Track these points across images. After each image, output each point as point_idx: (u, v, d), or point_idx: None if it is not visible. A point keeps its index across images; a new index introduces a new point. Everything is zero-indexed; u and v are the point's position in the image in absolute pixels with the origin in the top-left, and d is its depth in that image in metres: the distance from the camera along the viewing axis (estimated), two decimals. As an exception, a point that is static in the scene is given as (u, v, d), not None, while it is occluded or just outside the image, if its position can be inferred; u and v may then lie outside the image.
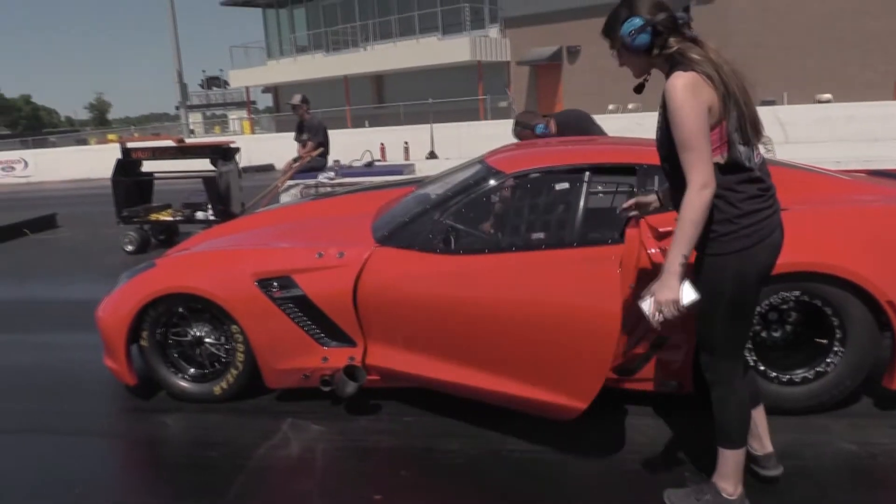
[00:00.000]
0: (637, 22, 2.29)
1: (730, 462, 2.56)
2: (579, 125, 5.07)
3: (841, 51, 20.16)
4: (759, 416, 2.71)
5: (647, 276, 3.03)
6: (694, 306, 2.31)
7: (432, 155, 17.20)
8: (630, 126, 12.27)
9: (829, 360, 3.26)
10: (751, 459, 2.73)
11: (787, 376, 3.31)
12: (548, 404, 3.03)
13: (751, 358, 3.28)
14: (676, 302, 2.26)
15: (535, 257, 3.26)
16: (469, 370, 3.26)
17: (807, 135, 14.67)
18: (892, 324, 3.13)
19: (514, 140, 5.10)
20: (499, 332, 3.11)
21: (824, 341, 3.28)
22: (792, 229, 3.22)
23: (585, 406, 2.93)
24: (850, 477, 2.89)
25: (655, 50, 2.33)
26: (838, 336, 3.22)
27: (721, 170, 2.29)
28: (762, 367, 3.31)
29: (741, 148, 2.29)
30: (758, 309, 3.22)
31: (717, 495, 2.57)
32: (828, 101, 18.36)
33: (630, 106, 20.74)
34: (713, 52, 2.29)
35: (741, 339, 2.51)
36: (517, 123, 5.14)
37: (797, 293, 3.20)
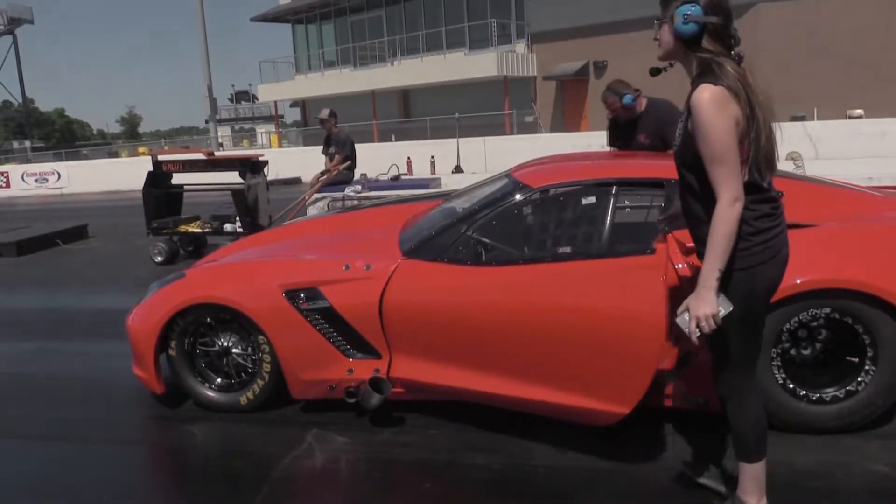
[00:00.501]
0: (696, 10, 2.24)
1: (750, 476, 2.55)
2: (665, 115, 4.87)
3: (872, 66, 19.93)
4: None
5: (675, 290, 3.01)
6: (727, 319, 2.32)
7: (458, 169, 17.24)
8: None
9: (859, 379, 3.21)
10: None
11: (817, 395, 3.26)
12: (588, 410, 3.07)
13: (780, 375, 3.24)
14: (715, 316, 2.26)
15: (568, 268, 3.22)
16: (501, 379, 3.29)
17: (838, 150, 14.48)
18: (925, 342, 3.08)
19: (604, 104, 5.07)
20: (534, 339, 3.14)
21: (855, 360, 3.23)
22: (823, 246, 3.24)
23: (628, 411, 2.95)
24: (880, 499, 2.83)
25: (696, 46, 2.29)
26: (870, 354, 3.18)
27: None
28: (791, 385, 3.26)
29: (758, 170, 2.31)
30: (786, 325, 3.19)
31: None
32: (859, 117, 18.12)
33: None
34: (751, 75, 2.29)
35: (753, 353, 2.51)
36: (608, 88, 5.06)
37: (828, 310, 3.16)
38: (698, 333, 2.29)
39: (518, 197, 3.63)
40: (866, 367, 3.19)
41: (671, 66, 2.47)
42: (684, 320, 2.32)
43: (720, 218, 2.23)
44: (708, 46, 2.28)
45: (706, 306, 2.26)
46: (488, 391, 3.35)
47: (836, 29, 20.35)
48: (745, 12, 21.39)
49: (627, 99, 4.91)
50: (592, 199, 3.52)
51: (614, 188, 3.48)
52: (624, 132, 5.11)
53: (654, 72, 2.52)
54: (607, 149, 5.25)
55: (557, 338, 3.08)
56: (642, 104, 5.01)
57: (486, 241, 3.54)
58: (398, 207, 4.75)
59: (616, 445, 3.31)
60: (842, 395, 3.24)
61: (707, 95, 2.21)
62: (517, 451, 3.34)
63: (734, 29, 2.29)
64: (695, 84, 2.29)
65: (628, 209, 3.84)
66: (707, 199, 2.30)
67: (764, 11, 21.31)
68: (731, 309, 2.30)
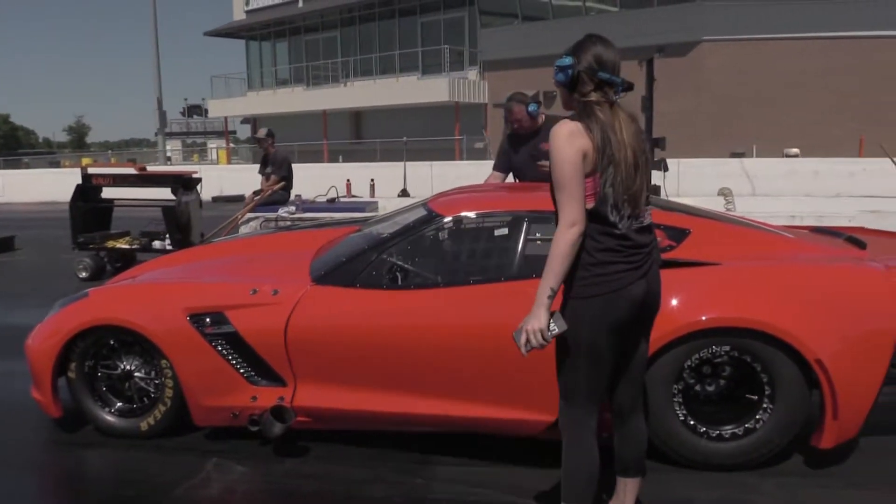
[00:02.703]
0: (567, 60, 2.45)
1: None
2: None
3: (809, 107, 20.67)
4: (629, 486, 2.75)
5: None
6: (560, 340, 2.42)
7: (404, 193, 17.23)
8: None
9: (758, 417, 3.25)
10: None
11: (717, 431, 3.29)
12: (514, 421, 3.29)
13: (680, 412, 3.26)
14: (543, 331, 2.35)
15: (477, 290, 3.36)
16: (416, 399, 3.39)
17: (773, 188, 14.90)
18: (820, 382, 3.13)
19: (507, 116, 4.94)
20: (449, 358, 3.29)
21: (754, 398, 3.27)
22: (725, 284, 3.29)
23: (554, 418, 3.00)
24: (772, 538, 2.85)
25: (575, 94, 2.47)
26: (767, 392, 3.22)
27: (589, 216, 2.39)
28: (692, 422, 3.28)
29: (612, 205, 2.40)
30: (687, 362, 3.22)
31: None
32: (795, 156, 18.73)
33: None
34: (620, 119, 2.43)
35: (593, 388, 2.51)
36: (511, 99, 4.94)
37: (727, 348, 3.20)
38: (528, 347, 2.37)
39: (430, 225, 3.61)
40: (764, 405, 3.23)
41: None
42: (518, 334, 2.39)
43: (556, 239, 2.36)
44: (583, 92, 2.44)
45: (535, 321, 2.35)
46: (402, 412, 3.40)
47: (776, 70, 21.08)
48: (690, 50, 22.06)
49: (533, 108, 4.83)
50: (504, 231, 3.52)
51: (525, 219, 3.50)
52: (519, 146, 5.01)
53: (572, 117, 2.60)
54: (495, 173, 5.10)
55: (472, 355, 3.26)
56: (542, 117, 4.96)
57: (398, 266, 3.52)
58: (316, 232, 4.69)
59: (522, 480, 3.28)
60: (740, 433, 3.27)
61: (560, 129, 2.39)
62: (417, 486, 3.28)
63: (611, 77, 2.42)
64: None
65: (538, 240, 3.85)
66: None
67: (708, 50, 21.99)
68: (564, 329, 2.38)
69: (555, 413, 3.18)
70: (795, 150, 19.31)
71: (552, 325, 2.36)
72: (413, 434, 3.62)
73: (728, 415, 3.33)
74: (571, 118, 2.45)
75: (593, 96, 2.43)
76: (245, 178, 18.87)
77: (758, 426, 3.25)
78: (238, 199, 17.91)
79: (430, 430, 3.56)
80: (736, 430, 3.27)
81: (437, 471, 3.41)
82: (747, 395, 3.30)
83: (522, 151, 4.98)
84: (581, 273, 2.42)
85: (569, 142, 2.36)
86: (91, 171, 8.66)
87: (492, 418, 3.34)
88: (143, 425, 3.76)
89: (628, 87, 2.46)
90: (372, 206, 9.57)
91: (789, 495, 3.14)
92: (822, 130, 20.16)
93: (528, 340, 2.36)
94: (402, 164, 17.97)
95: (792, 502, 3.09)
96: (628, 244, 2.44)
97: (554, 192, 2.42)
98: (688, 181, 14.16)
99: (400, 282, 3.52)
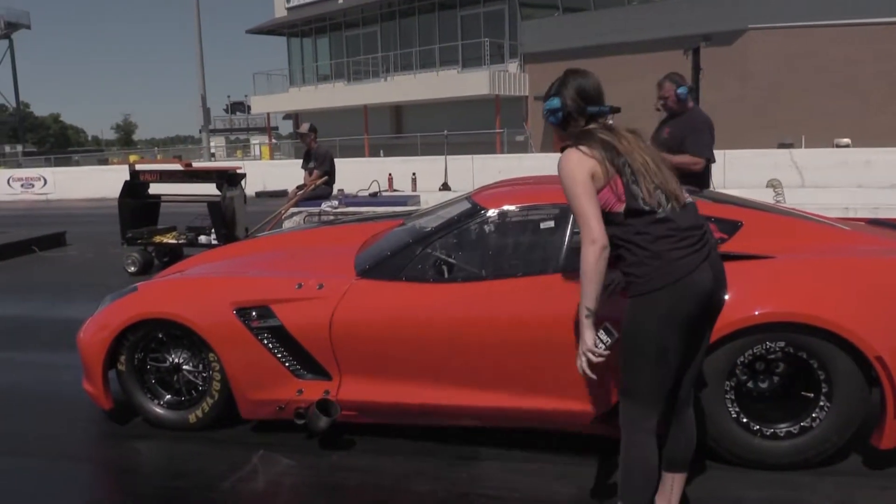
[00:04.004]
0: (555, 103, 2.57)
1: None
2: (695, 122, 5.12)
3: (860, 95, 20.07)
4: (676, 481, 2.71)
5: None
6: (614, 347, 2.47)
7: (445, 186, 17.22)
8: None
9: (814, 415, 3.15)
10: None
11: (771, 429, 3.20)
12: (561, 412, 3.25)
13: (733, 409, 3.18)
14: (592, 350, 2.42)
15: (524, 282, 3.35)
16: (458, 391, 3.37)
17: (823, 179, 14.51)
18: (881, 379, 3.02)
19: (657, 90, 5.22)
20: (497, 350, 3.27)
21: (811, 395, 3.17)
22: (777, 277, 3.19)
23: (601, 410, 3.14)
24: (830, 540, 2.76)
25: (568, 128, 2.60)
26: (824, 390, 3.11)
27: (626, 216, 2.46)
28: (744, 419, 3.19)
29: (643, 199, 2.45)
30: (740, 358, 3.13)
31: None
32: (846, 146, 18.20)
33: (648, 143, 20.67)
34: (619, 133, 2.54)
35: (655, 388, 2.46)
36: (667, 77, 5.23)
37: (782, 344, 3.10)
38: (588, 368, 2.45)
39: (475, 218, 3.58)
40: (821, 403, 3.13)
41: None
42: (577, 359, 2.49)
43: (582, 259, 2.42)
44: (577, 126, 2.58)
45: (582, 344, 2.46)
46: (447, 404, 3.39)
47: (827, 57, 20.50)
48: (736, 38, 21.59)
49: (682, 90, 5.08)
50: (550, 223, 3.47)
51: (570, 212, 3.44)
52: (662, 125, 5.31)
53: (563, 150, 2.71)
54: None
55: (518, 347, 3.23)
56: (690, 105, 5.20)
57: (443, 259, 3.50)
58: (361, 226, 4.69)
59: (566, 478, 3.24)
60: (796, 431, 3.18)
61: (568, 155, 2.50)
62: (463, 480, 3.26)
63: (600, 109, 2.57)
64: None
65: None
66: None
67: (754, 38, 21.49)
68: (616, 338, 2.44)
69: (602, 406, 3.16)
70: (846, 140, 18.76)
71: (603, 337, 2.44)
72: (457, 429, 3.60)
73: (782, 412, 3.23)
74: (573, 145, 2.53)
75: (584, 125, 2.56)
76: (288, 174, 19.09)
77: (814, 424, 3.15)
78: (281, 194, 18.07)
79: (476, 423, 3.53)
80: (791, 429, 3.18)
81: (481, 466, 3.38)
82: (803, 393, 3.20)
83: (659, 130, 5.28)
84: (640, 270, 2.42)
85: (579, 167, 2.45)
86: (138, 167, 8.81)
87: (539, 409, 3.30)
88: (192, 417, 3.81)
89: (616, 110, 2.60)
90: (414, 199, 9.57)
91: (846, 496, 3.04)
92: (873, 119, 19.58)
93: (587, 361, 2.45)
94: (442, 157, 17.97)
95: (849, 503, 2.99)
96: (676, 227, 2.44)
97: (573, 218, 2.53)
98: (734, 172, 13.82)
99: (445, 275, 3.50)
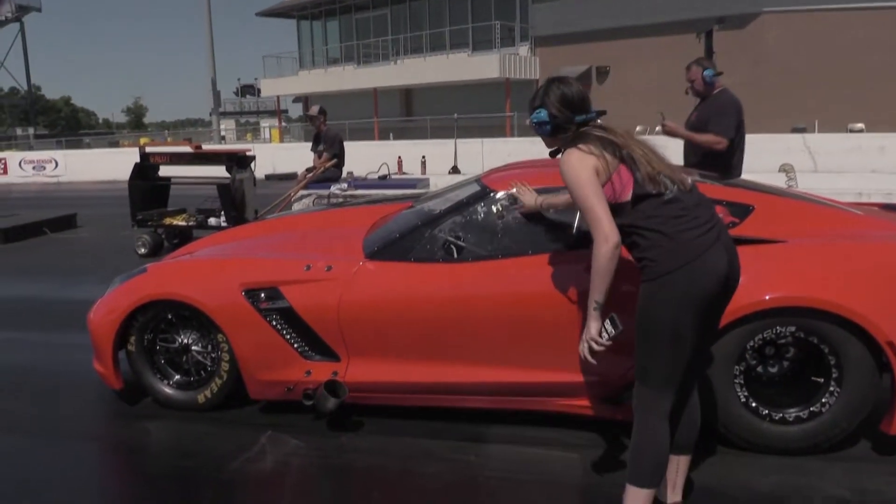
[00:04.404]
0: (542, 116, 2.59)
1: (632, 502, 2.50)
2: (723, 105, 5.15)
3: (875, 80, 19.83)
4: (681, 463, 2.70)
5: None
6: (617, 338, 2.48)
7: (455, 170, 17.17)
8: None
9: (824, 400, 3.13)
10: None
11: (780, 414, 3.18)
12: (576, 385, 3.26)
13: (742, 393, 3.17)
14: (595, 339, 2.46)
15: (529, 261, 3.35)
16: (467, 369, 3.40)
17: (836, 164, 14.37)
18: (892, 365, 2.99)
19: (685, 73, 5.28)
20: (503, 329, 3.30)
21: (820, 380, 3.15)
22: (791, 262, 3.16)
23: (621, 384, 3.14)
24: (838, 525, 2.75)
25: (559, 135, 2.63)
26: (835, 375, 3.09)
27: (634, 203, 2.47)
28: (753, 404, 3.18)
29: (650, 183, 2.47)
30: (750, 343, 3.11)
31: None
32: (860, 131, 18.02)
33: (657, 129, 20.58)
34: (609, 130, 2.56)
35: (670, 372, 2.45)
36: (695, 61, 5.33)
37: (792, 329, 3.08)
38: (589, 354, 2.49)
39: (484, 200, 3.56)
40: (831, 389, 3.11)
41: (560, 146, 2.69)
42: (581, 344, 2.53)
43: (594, 256, 2.42)
44: (567, 132, 2.59)
45: (587, 332, 2.49)
46: (456, 382, 3.42)
47: (842, 42, 20.26)
48: (750, 21, 21.37)
49: (708, 72, 5.15)
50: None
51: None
52: (694, 110, 5.37)
53: (553, 154, 2.76)
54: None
55: (527, 325, 3.26)
56: (718, 88, 5.23)
57: (452, 240, 3.50)
58: (369, 209, 4.68)
59: (573, 460, 3.24)
60: (805, 416, 3.16)
61: (568, 156, 2.51)
62: (471, 462, 3.26)
63: (586, 117, 2.57)
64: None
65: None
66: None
67: (769, 22, 21.25)
68: (620, 330, 2.45)
69: (611, 386, 3.16)
70: (860, 125, 18.57)
71: (608, 327, 2.46)
72: (466, 411, 3.60)
73: (791, 397, 3.21)
74: (570, 145, 2.55)
75: (576, 129, 2.57)
76: (297, 156, 19.09)
77: (824, 410, 3.13)
78: (291, 176, 18.10)
79: (484, 404, 3.53)
80: (800, 414, 3.16)
81: (489, 448, 3.39)
82: (813, 378, 3.18)
83: (690, 115, 5.34)
84: (654, 253, 2.42)
85: (581, 165, 2.46)
86: (149, 150, 8.83)
87: (547, 385, 3.32)
88: (201, 398, 3.83)
89: (601, 113, 2.63)
90: (423, 182, 9.54)
91: (855, 482, 3.02)
92: (888, 105, 19.34)
93: (589, 348, 2.49)
94: (452, 141, 17.91)
95: (858, 489, 2.97)
96: (686, 207, 2.46)
97: (581, 216, 2.53)
98: (746, 157, 13.59)
99: (455, 255, 3.49)
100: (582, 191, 2.44)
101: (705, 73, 5.16)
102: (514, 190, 3.48)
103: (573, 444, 3.37)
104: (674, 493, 2.70)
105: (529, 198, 3.41)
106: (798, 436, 3.17)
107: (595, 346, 2.46)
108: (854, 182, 10.74)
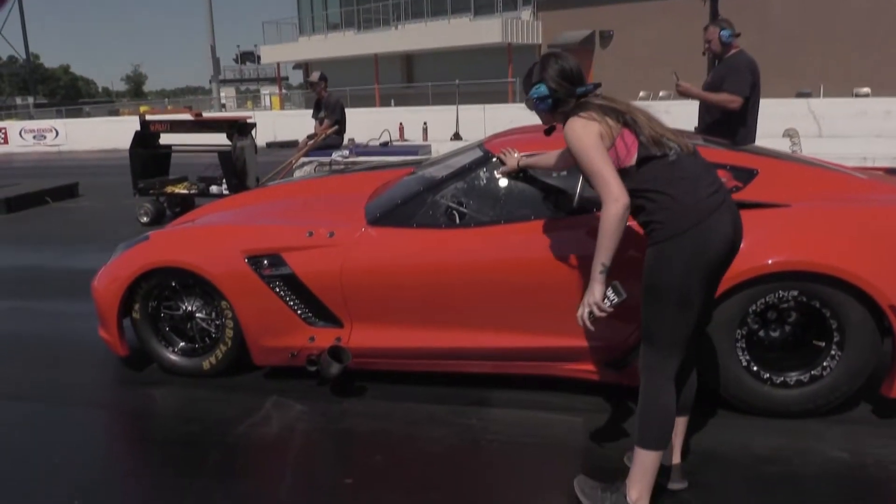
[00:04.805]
0: (542, 90, 2.59)
1: (640, 462, 2.51)
2: (738, 64, 5.19)
3: (881, 45, 19.60)
4: (680, 424, 2.70)
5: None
6: (620, 306, 2.45)
7: (457, 136, 17.07)
8: (659, 113, 12.01)
9: (825, 364, 3.15)
10: None
11: (781, 378, 3.20)
12: (580, 349, 3.28)
13: (743, 357, 3.18)
14: (598, 304, 2.41)
15: (532, 226, 3.36)
16: (471, 333, 3.42)
17: (841, 129, 14.25)
18: (893, 329, 3.00)
19: (703, 34, 5.41)
20: (505, 293, 3.31)
21: (822, 344, 3.16)
22: (793, 226, 3.16)
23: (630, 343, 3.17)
24: (836, 486, 2.77)
25: (559, 108, 2.63)
26: (836, 339, 3.10)
27: (638, 166, 2.46)
28: (755, 368, 3.19)
29: (654, 145, 2.47)
30: (752, 307, 3.11)
31: (621, 498, 2.52)
32: (866, 96, 17.84)
33: (661, 94, 20.41)
34: (609, 98, 2.59)
35: (677, 335, 2.44)
36: (714, 21, 5.41)
37: (795, 293, 3.08)
38: (588, 319, 2.44)
39: (486, 165, 3.55)
40: (832, 352, 3.12)
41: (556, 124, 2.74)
42: (580, 307, 2.47)
43: (603, 217, 2.39)
44: (568, 105, 2.59)
45: (590, 296, 2.43)
46: (459, 347, 3.44)
47: (847, 5, 19.99)
48: (755, -14, 21.01)
49: (725, 33, 5.19)
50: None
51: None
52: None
53: (548, 132, 2.83)
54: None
55: (531, 289, 3.27)
56: (735, 49, 5.27)
57: (454, 206, 3.49)
58: (371, 175, 4.66)
59: (576, 423, 3.27)
60: (806, 380, 3.18)
61: (572, 123, 2.51)
62: (474, 426, 3.29)
63: (585, 89, 2.59)
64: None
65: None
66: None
67: (775, -15, 20.93)
68: (623, 298, 2.42)
69: (613, 348, 3.18)
70: (866, 90, 18.38)
71: (610, 294, 2.43)
72: (469, 376, 3.62)
73: (793, 361, 3.23)
74: (571, 114, 2.54)
75: (574, 103, 2.58)
76: (298, 124, 18.97)
77: (825, 373, 3.15)
78: (292, 144, 18.00)
79: (487, 369, 3.56)
80: (801, 377, 3.18)
81: (492, 412, 3.41)
82: (814, 342, 3.20)
83: (707, 76, 5.42)
84: (661, 215, 2.41)
85: (585, 130, 2.45)
86: (149, 118, 8.79)
87: (551, 349, 3.35)
88: (206, 364, 3.86)
89: (598, 85, 2.65)
90: (425, 149, 9.50)
91: (855, 444, 3.04)
92: (893, 69, 19.13)
93: (590, 312, 2.44)
94: (454, 107, 17.77)
95: (858, 451, 2.99)
96: (689, 169, 2.46)
97: (588, 181, 2.49)
98: (750, 122, 13.54)
99: (457, 221, 3.49)
100: (587, 154, 2.43)
101: (722, 32, 5.20)
102: (500, 154, 3.51)
103: (577, 409, 3.40)
104: (673, 455, 2.72)
105: (511, 160, 3.44)
106: (799, 399, 3.19)
107: (597, 312, 2.44)
108: (860, 147, 10.68)
